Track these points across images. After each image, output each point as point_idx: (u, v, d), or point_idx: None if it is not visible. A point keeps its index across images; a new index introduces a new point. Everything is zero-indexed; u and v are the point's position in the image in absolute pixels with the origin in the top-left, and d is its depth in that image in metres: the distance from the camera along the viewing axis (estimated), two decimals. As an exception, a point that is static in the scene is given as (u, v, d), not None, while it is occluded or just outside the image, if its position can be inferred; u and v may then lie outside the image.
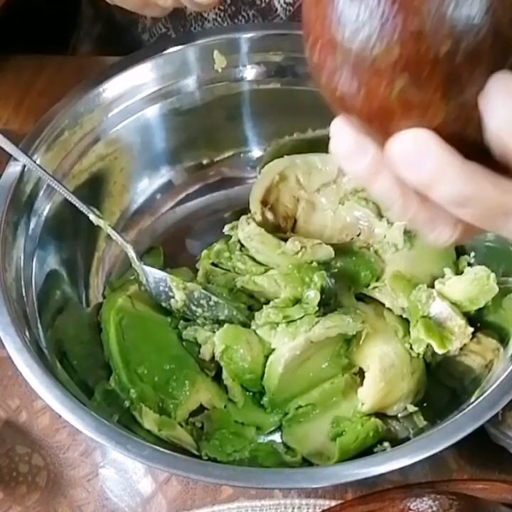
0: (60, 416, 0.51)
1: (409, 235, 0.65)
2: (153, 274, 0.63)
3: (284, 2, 0.76)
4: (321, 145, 0.70)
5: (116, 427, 0.52)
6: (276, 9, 0.77)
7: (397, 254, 0.65)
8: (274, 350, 0.59)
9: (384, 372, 0.58)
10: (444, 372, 0.61)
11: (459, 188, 0.34)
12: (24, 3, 0.81)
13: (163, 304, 0.64)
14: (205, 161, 0.73)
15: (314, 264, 0.62)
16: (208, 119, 0.70)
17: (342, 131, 0.37)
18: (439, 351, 0.59)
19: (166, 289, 0.63)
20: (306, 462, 0.58)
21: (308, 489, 0.56)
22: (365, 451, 0.57)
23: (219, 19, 0.79)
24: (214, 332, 0.61)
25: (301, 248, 0.64)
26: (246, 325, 0.62)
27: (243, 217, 0.67)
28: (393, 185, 0.36)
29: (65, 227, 0.64)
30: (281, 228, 0.69)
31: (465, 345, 0.60)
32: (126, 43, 0.81)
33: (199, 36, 0.69)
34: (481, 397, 0.52)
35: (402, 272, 0.63)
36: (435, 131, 0.34)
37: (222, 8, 0.78)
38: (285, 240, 0.65)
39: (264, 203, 0.68)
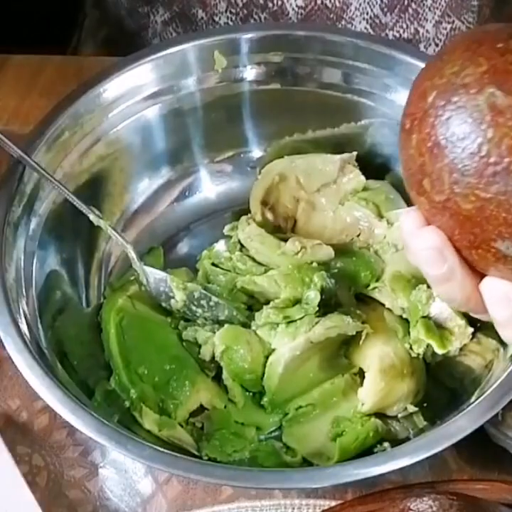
0: (60, 416, 0.51)
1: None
2: (153, 275, 0.63)
3: (296, 5, 0.76)
4: (321, 146, 0.70)
5: (116, 427, 0.52)
6: (288, 12, 0.77)
7: (397, 255, 0.65)
8: (274, 350, 0.59)
9: (384, 372, 0.58)
10: (444, 372, 0.61)
11: None
12: (24, 4, 0.81)
13: (164, 304, 0.64)
14: (205, 161, 0.73)
15: (314, 264, 0.62)
16: (208, 119, 0.70)
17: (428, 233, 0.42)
18: (439, 351, 0.59)
19: (166, 290, 0.63)
20: (306, 462, 0.58)
21: (308, 489, 0.56)
22: (365, 452, 0.57)
23: (230, 22, 0.79)
24: (214, 332, 0.61)
25: (301, 248, 0.64)
26: (246, 325, 0.62)
27: (243, 218, 0.67)
28: (457, 293, 0.44)
29: (65, 227, 0.64)
30: (281, 229, 0.69)
31: (465, 345, 0.60)
32: (135, 47, 0.81)
33: (199, 36, 0.69)
34: (481, 398, 0.52)
35: (402, 273, 0.63)
36: None
37: (233, 11, 0.78)
38: (285, 240, 0.65)
39: (264, 203, 0.68)
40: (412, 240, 0.43)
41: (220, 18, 0.79)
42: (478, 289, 0.43)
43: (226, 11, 0.78)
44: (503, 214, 0.39)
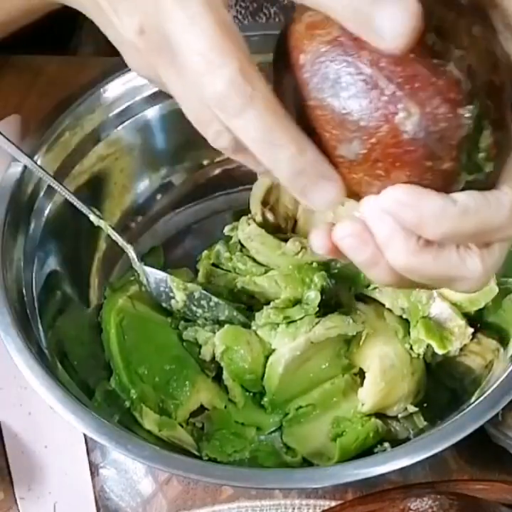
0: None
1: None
2: (153, 275, 0.63)
3: None
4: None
5: (116, 427, 0.52)
6: None
7: (397, 255, 0.65)
8: (274, 350, 0.59)
9: (384, 372, 0.59)
10: (444, 372, 0.61)
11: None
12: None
13: (164, 305, 0.64)
14: (205, 162, 0.73)
15: (314, 264, 0.62)
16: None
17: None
18: (439, 352, 0.59)
19: (167, 290, 0.63)
20: (307, 462, 0.58)
21: (309, 489, 0.56)
22: (365, 452, 0.57)
23: (240, 16, 0.78)
24: (214, 333, 0.61)
25: (302, 249, 0.64)
26: (246, 325, 0.62)
27: (243, 218, 0.67)
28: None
29: (65, 227, 0.64)
30: (281, 229, 0.69)
31: (465, 345, 0.60)
32: None
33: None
34: (481, 398, 0.52)
35: (402, 273, 0.63)
36: None
37: (243, 4, 0.77)
38: (285, 240, 0.65)
39: (265, 203, 0.68)
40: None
41: (229, 11, 0.78)
42: None
43: (236, 5, 0.77)
44: (328, 114, 0.37)
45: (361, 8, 0.33)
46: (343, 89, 0.36)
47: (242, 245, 0.66)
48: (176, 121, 0.69)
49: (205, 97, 0.37)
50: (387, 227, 0.37)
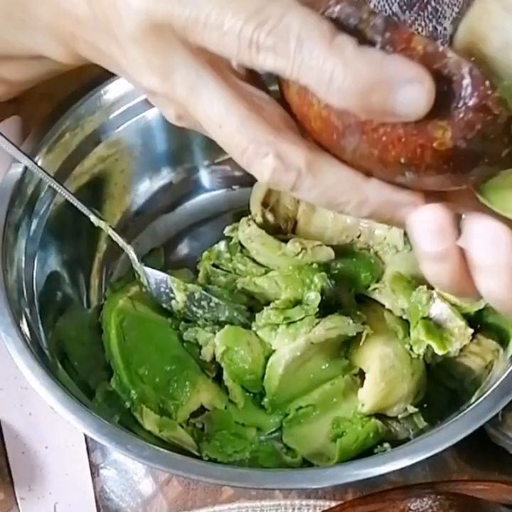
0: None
1: (409, 236, 0.65)
2: (154, 276, 0.63)
3: None
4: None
5: (117, 427, 0.52)
6: None
7: (397, 256, 0.65)
8: (274, 351, 0.59)
9: (384, 373, 0.59)
10: (444, 373, 0.62)
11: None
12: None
13: (164, 305, 0.64)
14: (205, 163, 0.73)
15: (315, 265, 0.62)
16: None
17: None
18: (439, 352, 0.59)
19: (167, 291, 0.63)
20: (307, 463, 0.58)
21: (309, 490, 0.56)
22: (365, 452, 0.57)
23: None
24: (215, 333, 0.61)
25: (302, 249, 0.64)
26: (246, 326, 0.62)
27: (244, 219, 0.67)
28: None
29: (66, 228, 0.64)
30: (281, 230, 0.69)
31: (465, 346, 0.60)
32: None
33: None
34: (481, 398, 0.52)
35: (402, 274, 0.63)
36: None
37: None
38: (285, 241, 0.65)
39: (265, 204, 0.68)
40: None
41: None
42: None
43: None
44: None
45: None
46: None
47: (242, 246, 0.66)
48: (177, 122, 0.70)
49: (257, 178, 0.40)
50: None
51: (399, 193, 0.40)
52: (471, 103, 0.35)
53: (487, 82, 0.34)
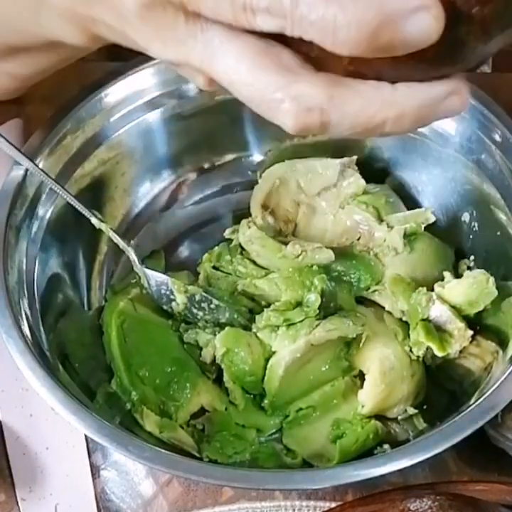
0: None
1: (409, 238, 0.65)
2: (154, 278, 0.64)
3: None
4: (321, 150, 0.71)
5: (117, 428, 0.52)
6: None
7: (397, 258, 0.65)
8: (274, 352, 0.59)
9: (384, 374, 0.59)
10: (443, 374, 0.62)
11: None
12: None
13: (165, 307, 0.64)
14: (206, 165, 0.73)
15: (315, 267, 0.63)
16: (209, 123, 0.71)
17: None
18: (439, 354, 0.60)
19: (168, 292, 0.63)
20: (307, 464, 0.58)
21: (309, 490, 0.56)
22: (365, 453, 0.57)
23: None
24: (215, 335, 0.61)
25: (302, 252, 0.64)
26: (247, 328, 0.62)
27: (244, 221, 0.67)
28: None
29: (67, 230, 0.65)
30: (281, 232, 0.69)
31: (464, 348, 0.61)
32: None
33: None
34: (481, 400, 0.52)
35: (401, 276, 0.64)
36: None
37: None
38: (286, 243, 0.65)
39: (265, 206, 0.69)
40: None
41: None
42: None
43: None
44: None
45: None
46: None
47: (242, 248, 0.67)
48: (177, 125, 0.70)
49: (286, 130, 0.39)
50: None
51: (434, 86, 0.37)
52: None
53: None
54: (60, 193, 0.61)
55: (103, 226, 0.62)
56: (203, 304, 0.63)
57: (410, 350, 0.60)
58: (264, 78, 0.38)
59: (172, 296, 0.63)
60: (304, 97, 0.37)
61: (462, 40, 0.35)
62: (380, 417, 0.60)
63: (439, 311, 0.60)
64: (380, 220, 0.66)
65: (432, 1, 0.33)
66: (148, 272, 0.64)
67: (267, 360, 0.60)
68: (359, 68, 0.37)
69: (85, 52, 0.55)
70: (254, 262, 0.66)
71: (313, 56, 0.38)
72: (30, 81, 0.61)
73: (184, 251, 0.71)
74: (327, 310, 0.60)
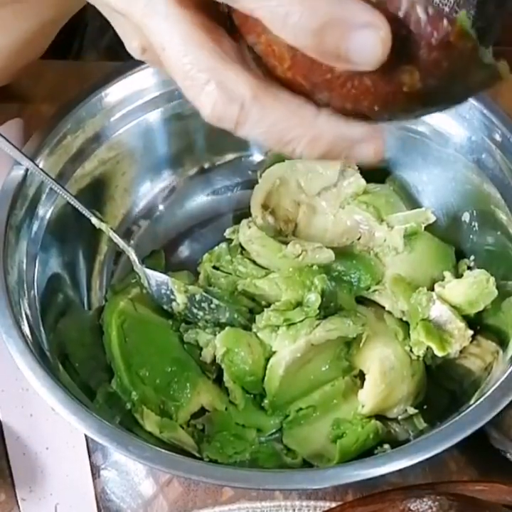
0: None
1: (409, 238, 0.65)
2: (154, 277, 0.64)
3: None
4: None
5: (118, 428, 0.52)
6: None
7: (397, 258, 0.65)
8: (275, 352, 0.59)
9: (384, 374, 0.59)
10: (443, 374, 0.62)
11: None
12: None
13: (165, 307, 0.64)
14: (206, 165, 0.73)
15: (315, 267, 0.63)
16: (209, 123, 0.70)
17: None
18: (439, 354, 0.60)
19: (168, 292, 0.63)
20: (307, 464, 0.58)
21: (309, 490, 0.56)
22: (365, 453, 0.57)
23: None
24: (215, 335, 0.62)
25: (302, 251, 0.64)
26: (247, 328, 0.62)
27: (244, 221, 0.67)
28: None
29: (67, 230, 0.65)
30: (282, 232, 0.69)
31: (465, 347, 0.61)
32: None
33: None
34: (481, 399, 0.52)
35: (402, 275, 0.64)
36: None
37: None
38: (286, 243, 0.65)
39: (265, 206, 0.69)
40: None
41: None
42: None
43: None
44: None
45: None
46: None
47: (242, 248, 0.67)
48: (177, 124, 0.70)
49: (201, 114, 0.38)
50: None
51: (355, 126, 0.37)
52: (433, 42, 0.33)
53: (445, 20, 0.33)
54: (60, 192, 0.61)
55: (103, 226, 0.62)
56: (203, 304, 0.63)
57: (410, 350, 0.61)
58: (196, 53, 0.36)
59: (172, 296, 0.63)
60: (229, 86, 0.36)
61: (400, 88, 0.35)
62: (380, 416, 0.60)
63: (439, 311, 0.60)
64: (381, 219, 0.66)
65: (383, 24, 0.33)
66: (149, 271, 0.64)
67: (267, 360, 0.60)
68: (296, 75, 0.37)
69: (61, 17, 0.53)
70: (254, 262, 0.66)
71: (256, 50, 0.38)
72: (15, 58, 0.60)
73: (184, 251, 0.71)
74: (327, 310, 0.60)
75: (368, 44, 0.33)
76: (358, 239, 0.67)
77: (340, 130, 0.37)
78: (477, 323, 0.61)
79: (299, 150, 0.37)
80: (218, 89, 0.36)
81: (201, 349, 0.62)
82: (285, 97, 0.37)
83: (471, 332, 0.60)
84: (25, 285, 0.58)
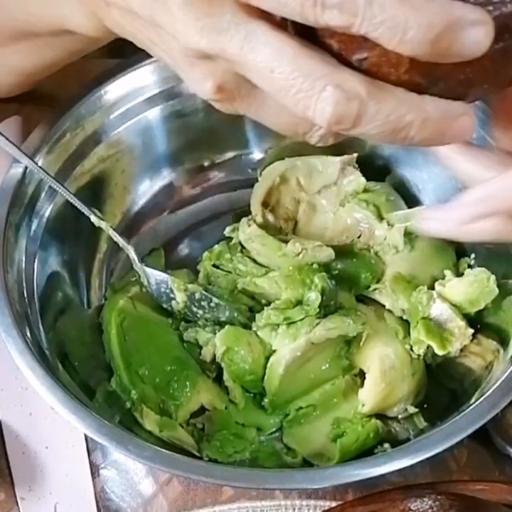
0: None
1: (409, 236, 0.65)
2: (154, 276, 0.63)
3: None
4: (321, 147, 0.70)
5: (117, 427, 0.52)
6: None
7: (397, 256, 0.65)
8: (274, 351, 0.59)
9: (384, 373, 0.59)
10: (444, 373, 0.62)
11: None
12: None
13: (165, 306, 0.64)
14: (206, 163, 0.73)
15: (315, 265, 0.62)
16: (208, 121, 0.71)
17: None
18: (440, 353, 0.59)
19: (167, 291, 0.63)
20: (307, 463, 0.58)
21: (309, 490, 0.56)
22: (365, 452, 0.57)
23: None
24: (215, 333, 0.61)
25: (302, 250, 0.64)
26: (247, 326, 0.62)
27: (244, 219, 0.67)
28: None
29: (66, 228, 0.64)
30: (282, 230, 0.69)
31: (465, 346, 0.61)
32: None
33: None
34: (481, 399, 0.52)
35: (402, 274, 0.63)
36: None
37: None
38: (286, 241, 0.65)
39: (265, 204, 0.68)
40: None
41: None
42: None
43: None
44: None
45: None
46: None
47: (242, 246, 0.66)
48: (177, 122, 0.70)
49: (317, 122, 0.40)
50: None
51: (454, 103, 0.40)
52: None
53: None
54: (60, 190, 0.61)
55: (103, 224, 0.62)
56: (202, 303, 0.63)
57: (411, 349, 0.60)
58: (309, 65, 0.39)
59: (172, 295, 0.63)
60: (345, 87, 0.38)
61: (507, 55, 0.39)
62: (380, 416, 0.60)
63: (439, 310, 0.60)
64: (381, 218, 0.66)
65: (489, 19, 0.36)
66: (148, 270, 0.64)
67: (267, 359, 0.60)
68: (414, 76, 0.39)
69: (90, 48, 0.55)
70: (254, 260, 0.66)
71: (362, 66, 0.40)
72: (32, 77, 0.61)
73: (184, 249, 0.71)
74: (327, 308, 0.60)
75: (476, 39, 0.36)
76: (358, 237, 0.67)
77: (445, 107, 0.40)
78: (478, 322, 0.61)
79: (412, 133, 0.40)
80: (338, 91, 0.38)
81: (201, 348, 0.62)
82: (390, 87, 0.39)
83: (471, 331, 0.60)
84: (24, 284, 0.58)
